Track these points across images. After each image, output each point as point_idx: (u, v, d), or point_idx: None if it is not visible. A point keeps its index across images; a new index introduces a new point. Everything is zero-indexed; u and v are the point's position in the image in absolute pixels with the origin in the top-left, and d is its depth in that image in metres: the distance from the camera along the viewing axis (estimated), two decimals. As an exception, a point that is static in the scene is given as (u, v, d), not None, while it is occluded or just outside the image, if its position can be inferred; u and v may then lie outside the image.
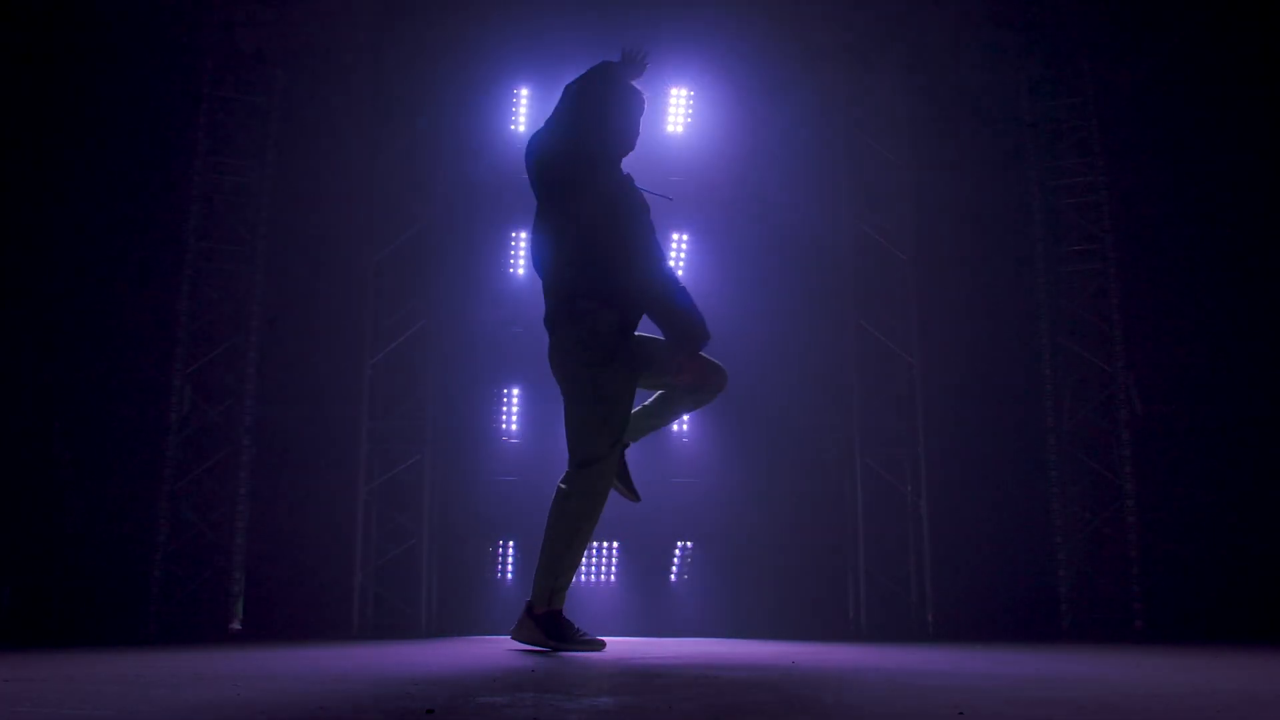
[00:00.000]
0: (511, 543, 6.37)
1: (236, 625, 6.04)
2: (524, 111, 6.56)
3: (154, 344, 6.28)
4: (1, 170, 5.83)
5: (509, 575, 6.37)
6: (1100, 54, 6.68)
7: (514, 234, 6.57)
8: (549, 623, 3.34)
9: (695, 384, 3.35)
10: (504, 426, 6.53)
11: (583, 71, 3.41)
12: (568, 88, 3.41)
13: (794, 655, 3.72)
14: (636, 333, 3.39)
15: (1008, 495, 6.54)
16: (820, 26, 6.62)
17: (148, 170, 6.34)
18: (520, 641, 3.39)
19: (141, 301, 6.29)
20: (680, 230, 6.59)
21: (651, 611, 6.24)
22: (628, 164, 3.47)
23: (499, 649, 4.27)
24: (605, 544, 6.38)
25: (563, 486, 3.38)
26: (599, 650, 3.39)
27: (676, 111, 6.72)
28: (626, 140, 3.43)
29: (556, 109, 3.41)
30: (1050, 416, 6.58)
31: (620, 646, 3.92)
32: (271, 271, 6.48)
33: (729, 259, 6.57)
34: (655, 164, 6.50)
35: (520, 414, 6.54)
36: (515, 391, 6.53)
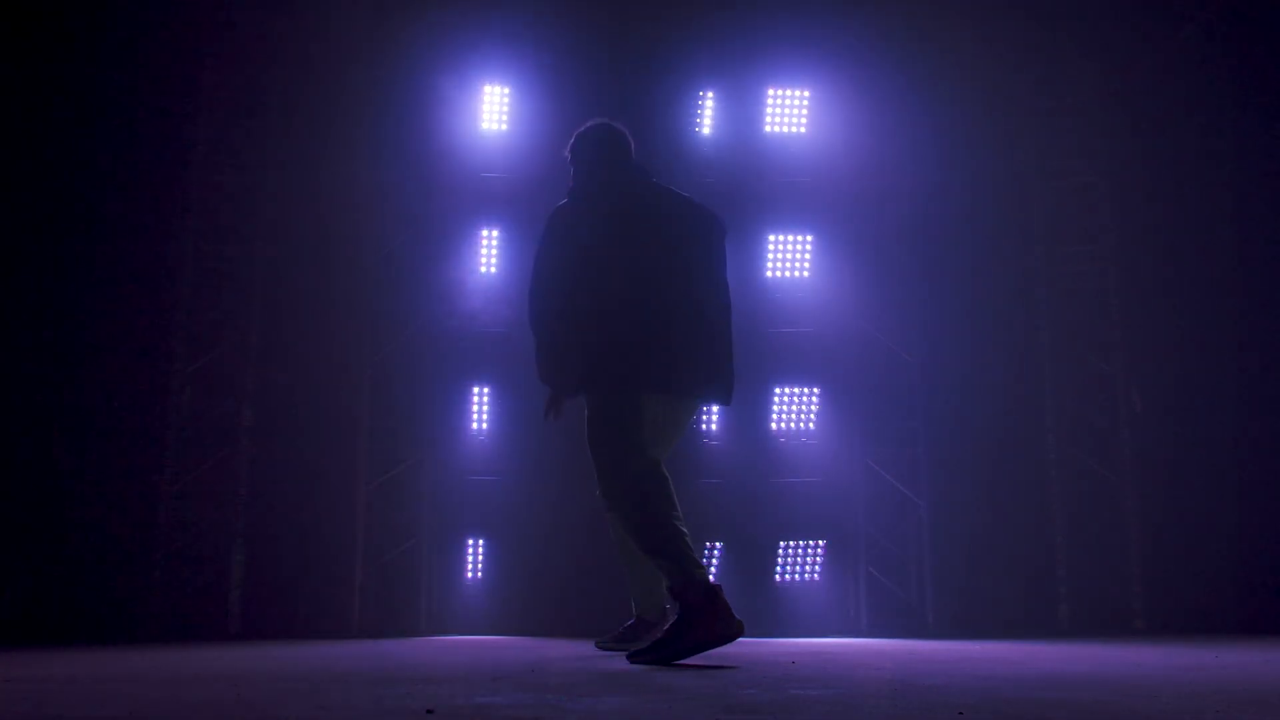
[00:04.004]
0: (482, 541, 6.35)
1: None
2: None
3: (154, 344, 6.28)
4: (1, 170, 5.83)
5: (509, 576, 6.35)
6: (1102, 51, 6.68)
7: (491, 232, 6.54)
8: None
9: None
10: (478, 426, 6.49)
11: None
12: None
13: (794, 654, 3.72)
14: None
15: (1008, 495, 6.54)
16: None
17: (147, 170, 6.33)
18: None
19: (141, 301, 6.29)
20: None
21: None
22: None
23: (499, 649, 4.28)
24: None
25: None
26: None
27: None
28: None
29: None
30: (1050, 416, 6.58)
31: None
32: (271, 271, 6.48)
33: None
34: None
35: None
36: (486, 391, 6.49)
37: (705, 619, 3.01)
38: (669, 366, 3.35)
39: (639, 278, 3.36)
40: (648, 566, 3.51)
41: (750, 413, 6.51)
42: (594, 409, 3.35)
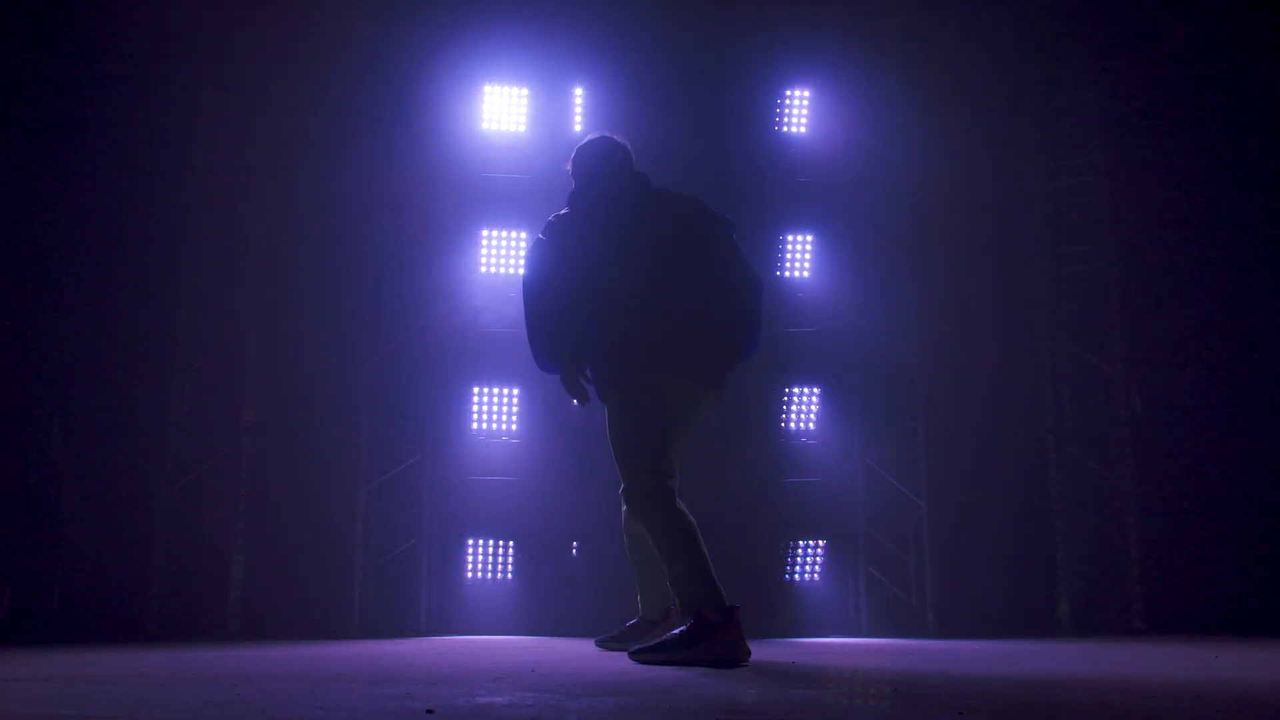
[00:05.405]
0: (513, 544, 6.36)
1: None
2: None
3: (154, 344, 6.27)
4: (1, 170, 5.83)
5: (508, 575, 6.36)
6: (1103, 52, 6.68)
7: (501, 233, 6.55)
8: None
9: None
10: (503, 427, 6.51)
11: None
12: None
13: (794, 654, 3.72)
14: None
15: (1008, 495, 6.54)
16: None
17: (146, 169, 6.33)
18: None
19: (142, 301, 6.29)
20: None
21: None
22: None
23: (499, 649, 4.28)
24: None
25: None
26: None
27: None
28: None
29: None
30: (1050, 416, 6.58)
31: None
32: (272, 271, 6.48)
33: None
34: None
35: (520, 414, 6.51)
36: (515, 392, 6.51)
37: (718, 638, 3.04)
38: (687, 356, 3.39)
39: (645, 277, 3.39)
40: (655, 567, 3.52)
41: (749, 413, 6.51)
42: (617, 407, 3.36)
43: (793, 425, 6.63)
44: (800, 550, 6.51)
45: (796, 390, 6.62)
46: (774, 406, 6.60)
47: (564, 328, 3.45)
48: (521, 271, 6.29)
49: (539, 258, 3.50)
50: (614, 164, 3.63)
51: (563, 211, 3.56)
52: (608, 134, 3.74)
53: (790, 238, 6.69)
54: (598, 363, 3.44)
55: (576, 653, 3.83)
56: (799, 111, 6.76)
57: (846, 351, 6.66)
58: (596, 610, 5.92)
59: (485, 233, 6.55)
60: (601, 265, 3.42)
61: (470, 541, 6.34)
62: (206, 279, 6.43)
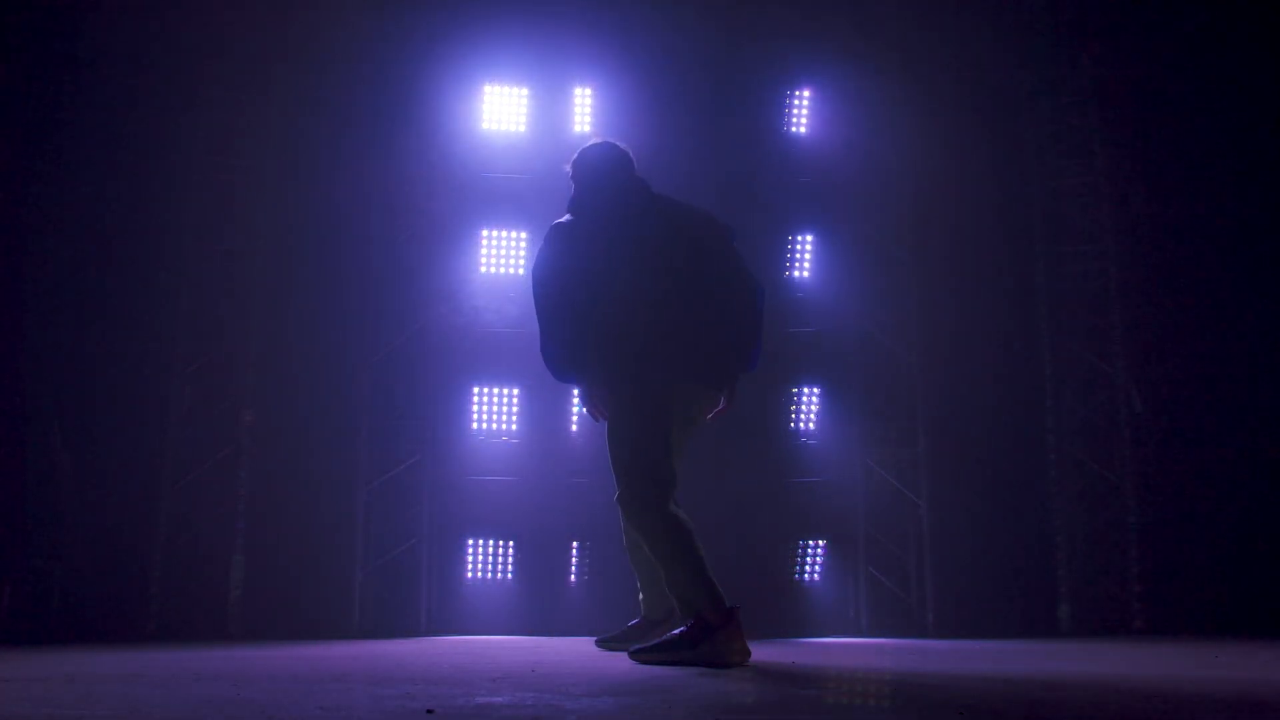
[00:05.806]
0: (513, 544, 6.37)
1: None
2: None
3: (154, 344, 6.28)
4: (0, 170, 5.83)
5: (508, 575, 6.36)
6: (1103, 52, 6.68)
7: (501, 233, 6.56)
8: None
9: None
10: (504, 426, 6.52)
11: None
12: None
13: (794, 654, 3.72)
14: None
15: (1008, 495, 6.54)
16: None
17: (147, 169, 6.33)
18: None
19: (141, 301, 6.29)
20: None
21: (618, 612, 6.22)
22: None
23: (499, 649, 4.28)
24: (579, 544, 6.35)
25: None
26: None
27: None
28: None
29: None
30: (1050, 416, 6.58)
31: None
32: (272, 271, 6.48)
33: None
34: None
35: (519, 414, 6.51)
36: (515, 392, 6.51)
37: (718, 639, 3.05)
38: (688, 362, 3.38)
39: (645, 284, 3.38)
40: (655, 568, 3.52)
41: (750, 414, 6.50)
42: (617, 413, 3.35)
43: (793, 425, 6.63)
44: (801, 550, 6.51)
45: (796, 390, 6.62)
46: (775, 407, 6.60)
47: (574, 333, 3.44)
48: (521, 273, 6.42)
49: (546, 267, 3.48)
50: (614, 170, 3.62)
51: (564, 218, 3.56)
52: (608, 139, 3.73)
53: (790, 237, 6.70)
54: (600, 369, 3.43)
55: (576, 653, 3.83)
56: (800, 112, 6.76)
57: (847, 351, 6.66)
58: (596, 610, 5.92)
59: (485, 233, 6.56)
60: (602, 272, 3.41)
61: (470, 541, 6.34)
62: (206, 279, 6.43)
